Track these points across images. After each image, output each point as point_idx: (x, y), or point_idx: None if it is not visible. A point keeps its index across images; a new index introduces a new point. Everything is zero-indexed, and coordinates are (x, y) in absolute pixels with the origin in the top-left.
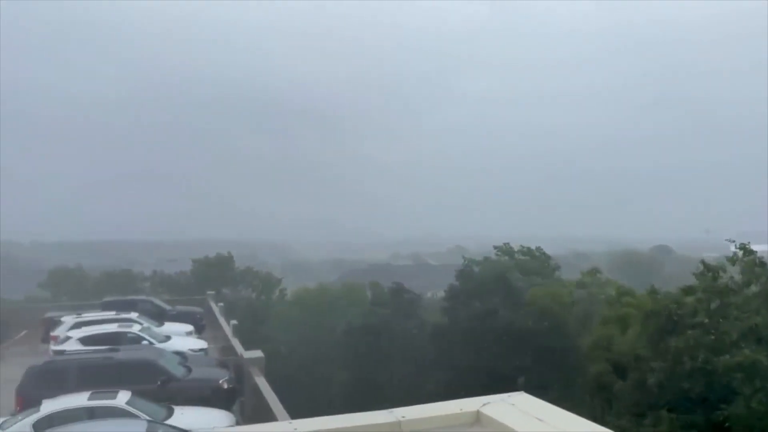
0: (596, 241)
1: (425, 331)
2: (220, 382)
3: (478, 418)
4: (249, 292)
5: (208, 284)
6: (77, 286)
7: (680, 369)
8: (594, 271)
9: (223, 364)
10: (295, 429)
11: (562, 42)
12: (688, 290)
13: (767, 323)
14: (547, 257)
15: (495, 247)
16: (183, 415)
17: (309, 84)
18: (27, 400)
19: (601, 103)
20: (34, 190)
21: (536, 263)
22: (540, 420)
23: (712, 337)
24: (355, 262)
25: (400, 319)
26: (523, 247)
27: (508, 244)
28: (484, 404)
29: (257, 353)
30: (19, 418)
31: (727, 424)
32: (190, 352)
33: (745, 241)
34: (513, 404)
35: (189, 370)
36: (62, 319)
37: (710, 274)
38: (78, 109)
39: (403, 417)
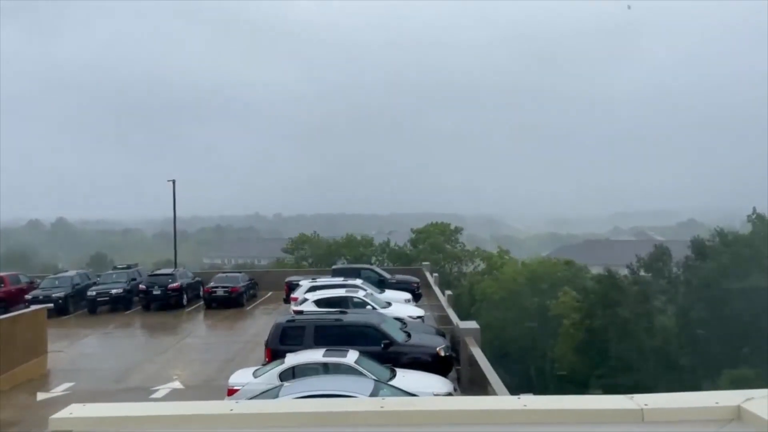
0: None
1: (667, 305)
2: (438, 349)
3: (738, 414)
4: (463, 265)
5: (425, 255)
6: (314, 251)
7: None
8: None
9: (439, 333)
10: (525, 405)
11: None
12: None
13: None
14: None
15: None
16: (404, 377)
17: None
18: (274, 352)
19: None
20: (275, 173)
21: None
22: None
23: None
24: (569, 236)
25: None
26: None
27: None
28: (746, 399)
29: (472, 324)
30: (268, 368)
31: None
32: (409, 319)
33: None
34: None
35: (409, 335)
36: (300, 282)
37: None
38: (290, 102)
39: (646, 405)
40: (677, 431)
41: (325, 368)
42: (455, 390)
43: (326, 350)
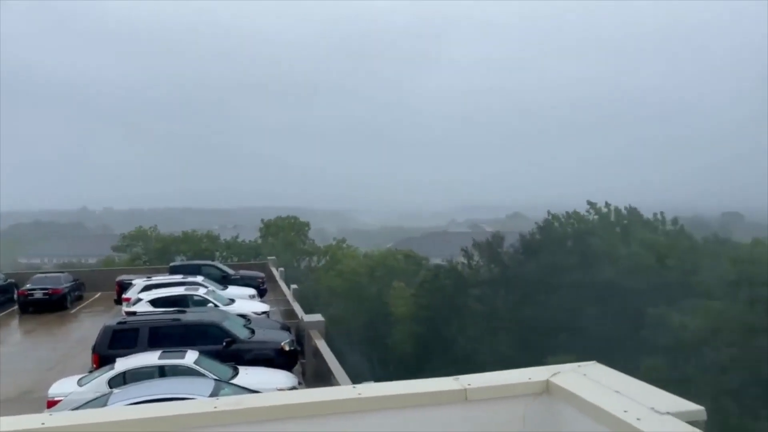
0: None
1: (493, 293)
2: (282, 344)
3: (547, 387)
4: (311, 259)
5: (273, 249)
6: (149, 248)
7: None
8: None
9: (284, 327)
10: (359, 394)
11: None
12: None
13: None
14: (654, 221)
15: (589, 203)
16: (247, 375)
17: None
18: (102, 358)
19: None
20: (105, 165)
21: (628, 226)
22: (616, 392)
23: None
24: (412, 229)
25: (468, 280)
26: (627, 207)
27: (607, 203)
28: (554, 374)
29: (317, 317)
30: (96, 375)
31: None
32: (253, 315)
33: None
34: (585, 374)
35: (252, 332)
36: (133, 281)
37: None
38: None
39: (469, 385)
40: (496, 407)
41: (161, 371)
42: (300, 384)
43: (162, 352)
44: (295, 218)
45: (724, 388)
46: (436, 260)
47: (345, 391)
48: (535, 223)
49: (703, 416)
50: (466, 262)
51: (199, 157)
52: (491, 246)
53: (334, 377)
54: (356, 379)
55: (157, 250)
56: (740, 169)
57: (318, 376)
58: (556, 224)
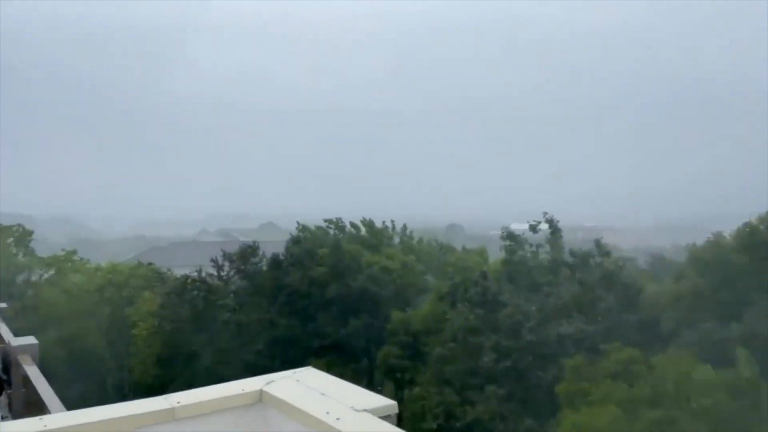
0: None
1: (245, 304)
2: None
3: (260, 397)
4: (31, 273)
5: None
6: None
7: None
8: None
9: None
10: (45, 426)
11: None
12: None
13: (576, 298)
14: (383, 231)
15: (325, 221)
16: None
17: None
18: None
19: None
20: None
21: (369, 237)
22: (323, 395)
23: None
24: (157, 239)
25: (212, 294)
26: (365, 219)
27: (340, 218)
28: (268, 382)
29: (29, 339)
30: None
31: None
32: None
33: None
34: (298, 380)
35: None
36: None
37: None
38: None
39: (179, 402)
40: (206, 422)
41: None
42: (3, 417)
43: None
44: (19, 226)
45: (446, 378)
46: (183, 271)
47: (29, 423)
48: (289, 233)
49: (395, 410)
50: (215, 273)
51: None
52: (243, 256)
53: (47, 408)
54: (83, 406)
55: None
56: (465, 184)
57: (28, 408)
58: (308, 234)
